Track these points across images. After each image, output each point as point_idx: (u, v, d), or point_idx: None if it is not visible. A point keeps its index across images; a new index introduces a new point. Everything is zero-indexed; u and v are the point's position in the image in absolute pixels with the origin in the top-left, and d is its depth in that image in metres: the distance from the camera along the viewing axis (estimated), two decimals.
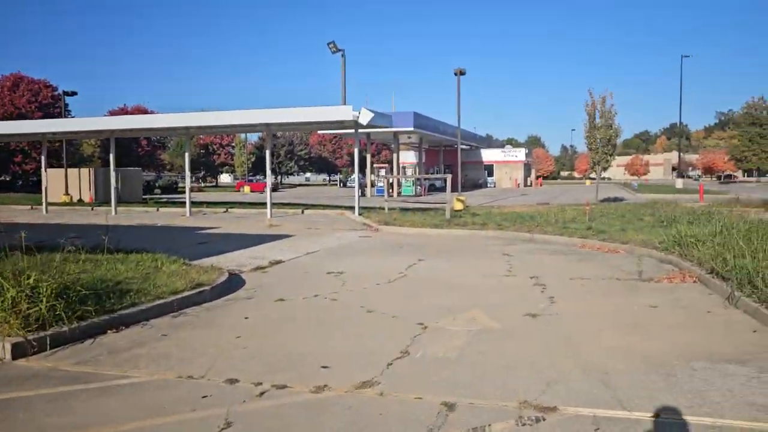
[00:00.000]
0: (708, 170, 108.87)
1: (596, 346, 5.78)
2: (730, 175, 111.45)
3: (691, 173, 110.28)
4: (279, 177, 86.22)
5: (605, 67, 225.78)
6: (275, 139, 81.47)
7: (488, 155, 72.30)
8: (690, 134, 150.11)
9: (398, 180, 45.42)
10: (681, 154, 69.41)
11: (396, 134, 45.74)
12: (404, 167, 51.85)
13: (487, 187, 67.00)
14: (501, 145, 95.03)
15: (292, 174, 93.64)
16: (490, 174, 71.54)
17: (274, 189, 64.24)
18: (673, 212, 18.21)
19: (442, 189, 41.36)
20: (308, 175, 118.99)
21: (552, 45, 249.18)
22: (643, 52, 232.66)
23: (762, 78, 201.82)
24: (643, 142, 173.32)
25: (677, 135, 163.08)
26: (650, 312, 7.16)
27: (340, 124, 25.94)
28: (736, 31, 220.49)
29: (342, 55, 39.53)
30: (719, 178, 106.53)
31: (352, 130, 25.17)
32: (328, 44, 39.11)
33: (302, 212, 25.29)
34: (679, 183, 57.36)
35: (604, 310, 7.34)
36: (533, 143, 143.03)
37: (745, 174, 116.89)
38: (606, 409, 4.25)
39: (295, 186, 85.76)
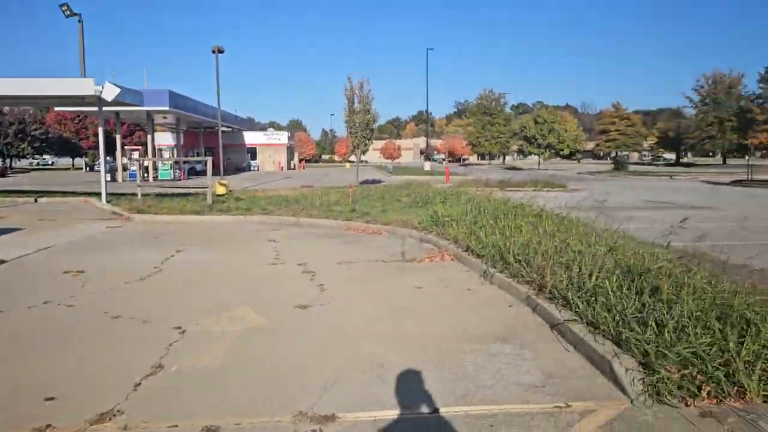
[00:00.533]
0: (450, 154, 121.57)
1: (370, 337, 5.54)
2: (467, 159, 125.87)
3: (436, 157, 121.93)
4: (8, 160, 74.01)
5: (361, 57, 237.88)
6: (0, 116, 69.54)
7: (251, 138, 70.89)
8: (434, 121, 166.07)
9: (154, 163, 41.92)
10: (428, 139, 76.13)
11: (150, 114, 42.05)
12: (161, 150, 48.09)
13: (250, 170, 65.67)
14: (263, 128, 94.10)
15: (25, 157, 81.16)
16: (254, 157, 70.30)
17: (1, 174, 54.94)
18: (427, 193, 19.48)
19: (203, 173, 39.27)
20: (48, 158, 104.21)
21: (314, 32, 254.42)
22: (396, 44, 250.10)
23: (492, 72, 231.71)
24: (395, 128, 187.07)
25: (424, 122, 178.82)
26: (417, 294, 7.23)
27: (81, 100, 22.72)
28: (472, 28, 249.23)
29: (79, 20, 34.81)
30: (459, 161, 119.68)
31: (96, 108, 22.18)
32: (61, 6, 34.11)
33: (35, 200, 21.64)
34: (427, 166, 62.80)
35: (374, 294, 7.23)
36: (295, 127, 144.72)
37: (479, 157, 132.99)
38: (386, 410, 3.96)
39: (28, 171, 74.34)
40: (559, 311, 5.46)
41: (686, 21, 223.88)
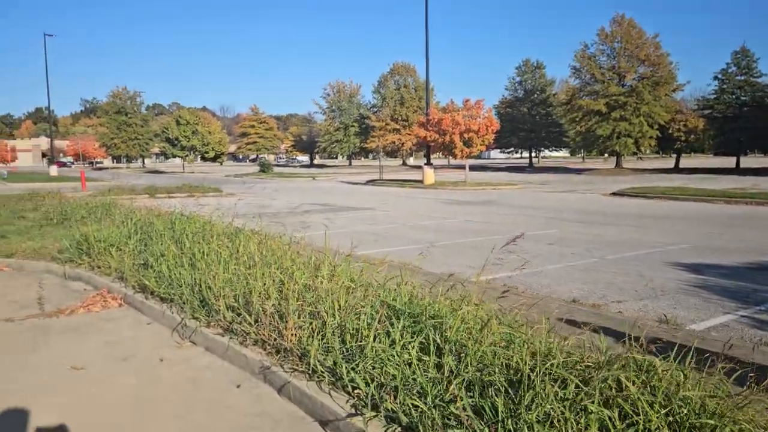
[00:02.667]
0: (79, 157, 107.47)
1: None
2: (101, 162, 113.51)
3: (63, 159, 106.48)
4: None
5: None
6: None
7: None
8: (58, 120, 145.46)
9: None
10: (52, 140, 65.45)
11: None
12: None
13: None
14: None
15: None
16: None
17: None
18: (62, 206, 15.45)
19: None
20: None
21: None
22: (3, 23, 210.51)
23: (123, 69, 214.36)
24: (7, 127, 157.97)
25: (44, 120, 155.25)
26: (76, 384, 4.60)
27: None
28: (101, 13, 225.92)
29: None
30: (92, 164, 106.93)
31: None
32: None
33: None
34: (54, 170, 53.65)
35: None
36: None
37: (114, 160, 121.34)
38: None
39: None
40: (330, 394, 3.72)
41: (318, 30, 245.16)
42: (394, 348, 3.86)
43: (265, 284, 5.28)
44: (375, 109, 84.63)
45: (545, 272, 8.80)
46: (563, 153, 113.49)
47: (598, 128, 49.54)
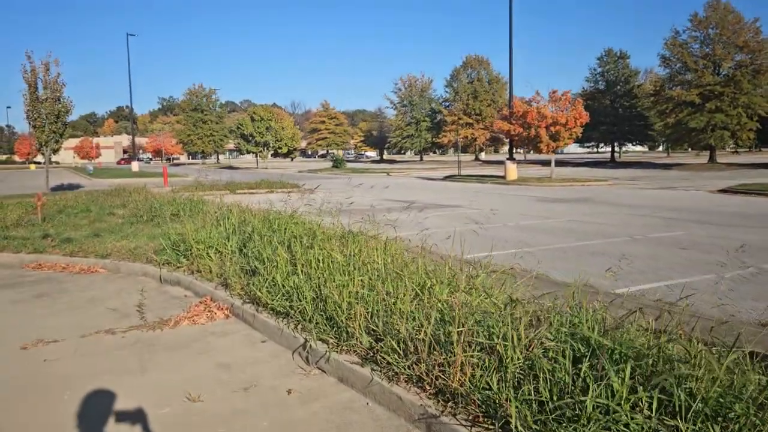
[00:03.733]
0: (158, 153, 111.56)
1: None
2: (178, 158, 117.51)
3: (142, 156, 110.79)
4: None
5: (51, 36, 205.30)
6: None
7: None
8: (137, 118, 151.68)
9: None
10: (133, 137, 67.81)
11: None
12: None
13: None
14: None
15: None
16: None
17: None
18: (150, 202, 15.25)
19: None
20: None
21: None
22: (89, 27, 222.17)
23: (197, 68, 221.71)
24: (91, 125, 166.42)
25: (125, 118, 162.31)
26: (189, 420, 3.85)
27: None
28: (177, 16, 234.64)
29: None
30: (169, 160, 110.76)
31: None
32: None
33: None
34: (135, 166, 55.42)
35: None
36: None
37: (190, 156, 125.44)
38: None
39: None
40: None
41: (384, 27, 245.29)
42: (619, 405, 2.85)
43: (396, 296, 4.38)
44: (447, 104, 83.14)
45: (695, 285, 7.51)
46: (642, 148, 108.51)
47: (691, 120, 46.31)
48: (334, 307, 4.78)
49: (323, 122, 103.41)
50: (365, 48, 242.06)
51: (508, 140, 34.72)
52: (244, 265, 6.86)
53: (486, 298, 4.62)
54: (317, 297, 5.15)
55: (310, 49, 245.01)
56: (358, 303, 4.59)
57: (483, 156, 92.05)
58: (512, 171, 32.11)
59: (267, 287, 5.78)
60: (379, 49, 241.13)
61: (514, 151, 35.38)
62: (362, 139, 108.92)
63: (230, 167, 73.91)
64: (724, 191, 22.91)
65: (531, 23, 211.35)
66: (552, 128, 29.78)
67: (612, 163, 61.51)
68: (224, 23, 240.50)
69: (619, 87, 62.28)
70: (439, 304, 4.37)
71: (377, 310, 4.49)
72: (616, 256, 9.36)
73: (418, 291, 4.79)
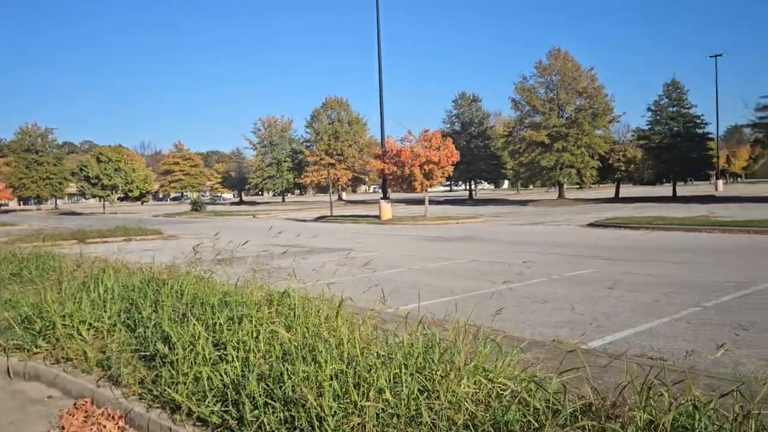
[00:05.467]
0: None
1: None
2: (6, 204, 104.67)
3: None
4: None
5: None
6: None
7: None
8: None
9: None
10: None
11: None
12: None
13: None
14: None
15: None
16: None
17: None
18: None
19: None
20: None
21: None
22: None
23: (31, 104, 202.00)
24: None
25: None
26: None
27: None
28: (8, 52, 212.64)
29: None
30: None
31: None
32: None
33: None
34: None
35: None
36: None
37: (21, 202, 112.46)
38: None
39: None
40: None
41: (238, 67, 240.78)
42: None
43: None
44: (309, 144, 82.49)
45: (656, 331, 6.88)
46: (490, 186, 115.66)
47: (542, 159, 49.52)
48: (310, 419, 3.27)
49: (177, 163, 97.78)
50: (219, 89, 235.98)
51: (381, 179, 34.37)
52: (138, 346, 5.05)
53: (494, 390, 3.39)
54: (274, 397, 3.59)
55: (158, 88, 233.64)
56: (355, 413, 3.14)
57: (344, 195, 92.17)
58: (387, 210, 31.64)
59: (189, 383, 4.08)
60: (234, 90, 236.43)
61: (386, 190, 35.05)
62: (219, 180, 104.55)
63: (72, 213, 66.65)
64: (592, 225, 23.97)
65: (391, 65, 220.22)
66: (426, 167, 29.84)
67: (471, 200, 64.08)
68: (57, 59, 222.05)
69: (473, 128, 65.60)
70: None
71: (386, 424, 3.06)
72: (555, 302, 8.65)
73: (426, 384, 3.45)
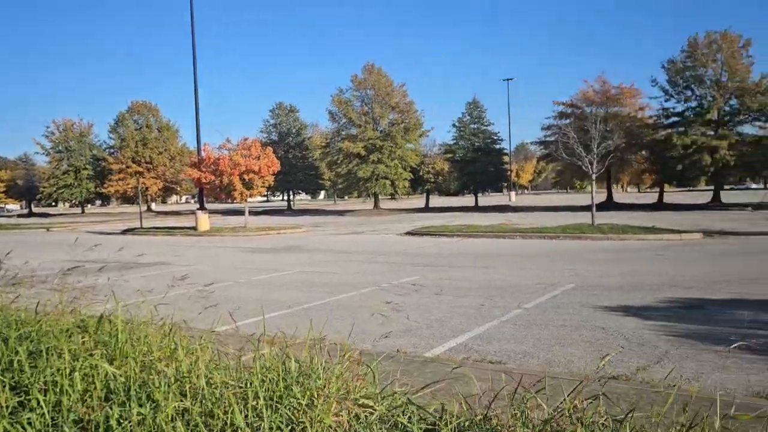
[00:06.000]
0: None
1: None
2: None
3: None
4: None
5: None
6: None
7: None
8: None
9: None
10: None
11: None
12: None
13: None
14: None
15: None
16: None
17: None
18: None
19: None
20: None
21: None
22: None
23: None
24: None
25: None
26: None
27: None
28: None
29: None
30: None
31: None
32: None
33: None
34: None
35: None
36: None
37: None
38: None
39: None
40: None
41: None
42: None
43: None
44: (113, 151, 75.68)
45: (489, 334, 7.18)
46: (306, 196, 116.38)
47: (359, 170, 50.85)
48: None
49: None
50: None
51: (197, 189, 32.55)
52: None
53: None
54: None
55: None
56: None
57: (154, 206, 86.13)
58: (204, 221, 30.02)
59: None
60: (21, 90, 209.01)
61: (203, 200, 33.25)
62: (3, 189, 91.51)
63: None
64: (409, 233, 25.01)
65: (206, 74, 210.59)
66: (246, 176, 28.89)
67: (289, 210, 63.66)
68: None
69: (291, 138, 65.35)
70: None
71: None
72: (390, 311, 8.66)
73: (290, 416, 3.07)
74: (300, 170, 64.73)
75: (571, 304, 8.81)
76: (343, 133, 54.04)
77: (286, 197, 70.57)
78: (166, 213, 69.45)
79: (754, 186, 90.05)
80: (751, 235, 19.74)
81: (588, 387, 4.44)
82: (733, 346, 5.66)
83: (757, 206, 38.81)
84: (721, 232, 21.23)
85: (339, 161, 53.29)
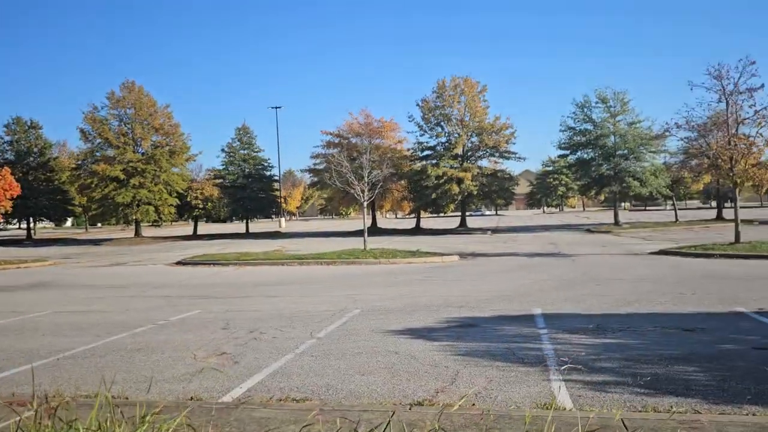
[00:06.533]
0: None
1: None
2: None
3: None
4: None
5: None
6: None
7: None
8: None
9: None
10: None
11: None
12: None
13: None
14: None
15: None
16: None
17: None
18: None
19: None
20: None
21: None
22: None
23: None
24: None
25: None
26: None
27: None
28: None
29: None
30: None
31: None
32: None
33: None
34: None
35: None
36: None
37: None
38: None
39: None
40: None
41: None
42: None
43: None
44: None
45: (288, 369, 6.97)
46: (50, 224, 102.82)
47: (117, 195, 46.50)
48: None
49: None
50: None
51: None
52: None
53: None
54: None
55: None
56: None
57: None
58: None
59: None
60: None
61: None
62: None
63: None
64: (180, 263, 23.51)
65: None
66: None
67: (30, 240, 55.56)
68: None
69: (32, 159, 57.36)
70: None
71: None
72: (174, 350, 7.88)
73: None
74: (43, 194, 56.93)
75: (362, 330, 9.00)
76: (98, 154, 49.10)
77: (25, 225, 61.43)
78: None
79: (488, 213, 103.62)
80: (494, 257, 22.52)
81: (400, 416, 4.53)
82: (564, 367, 6.32)
83: (494, 230, 44.77)
84: (472, 254, 23.91)
85: (93, 185, 48.09)
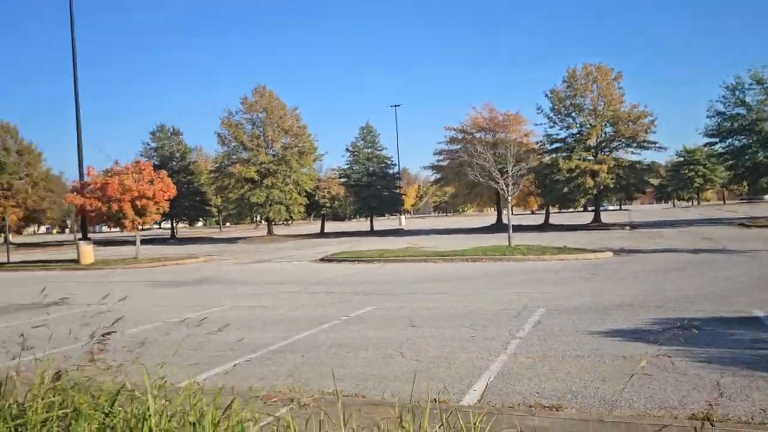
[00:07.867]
0: None
1: None
2: None
3: None
4: None
5: None
6: None
7: None
8: None
9: None
10: None
11: None
12: None
13: None
14: None
15: None
16: None
17: None
18: None
19: None
20: None
21: None
22: None
23: None
24: None
25: None
26: None
27: None
28: None
29: None
30: None
31: None
32: None
33: None
34: None
35: None
36: None
37: None
38: None
39: None
40: None
41: None
42: None
43: None
44: None
45: (511, 370, 6.50)
46: (183, 224, 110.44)
47: (252, 195, 48.82)
48: None
49: None
50: None
51: (80, 216, 29.31)
52: None
53: None
54: None
55: None
56: None
57: (12, 238, 77.38)
58: (88, 253, 27.00)
59: None
60: None
61: (86, 229, 29.96)
62: None
63: None
64: (324, 260, 23.96)
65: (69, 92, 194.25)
66: (138, 202, 26.39)
67: (174, 239, 59.81)
68: None
69: (175, 163, 61.70)
70: None
71: None
72: (376, 348, 7.70)
73: None
74: (185, 196, 61.06)
75: (563, 330, 8.38)
76: (234, 157, 51.82)
77: (168, 225, 66.25)
78: (27, 245, 62.85)
79: (611, 207, 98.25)
80: (649, 253, 20.83)
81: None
82: None
83: (632, 226, 42.02)
84: (624, 250, 22.35)
85: (230, 186, 50.88)
